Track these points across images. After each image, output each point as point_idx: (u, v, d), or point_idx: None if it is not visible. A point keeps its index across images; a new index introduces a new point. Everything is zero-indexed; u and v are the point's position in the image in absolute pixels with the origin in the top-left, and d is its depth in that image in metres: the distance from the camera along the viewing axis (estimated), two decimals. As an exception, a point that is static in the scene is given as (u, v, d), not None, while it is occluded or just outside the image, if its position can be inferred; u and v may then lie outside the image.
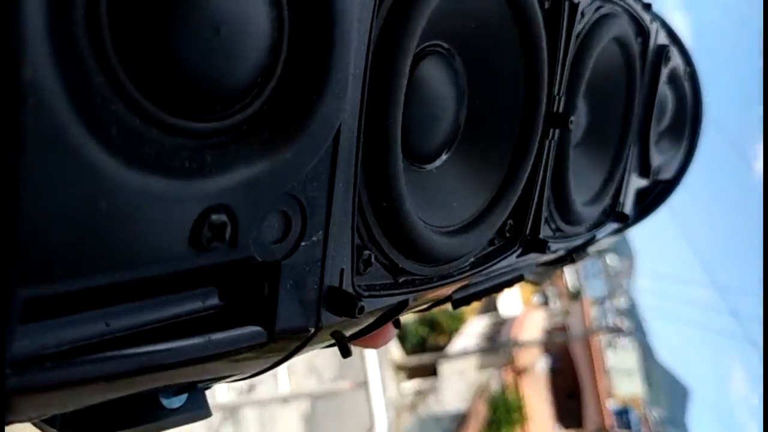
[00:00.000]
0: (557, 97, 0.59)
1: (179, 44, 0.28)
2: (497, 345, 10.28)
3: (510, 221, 0.58)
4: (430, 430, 8.78)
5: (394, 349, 9.28)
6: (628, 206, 0.82)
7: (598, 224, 0.75)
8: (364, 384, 2.93)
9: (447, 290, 0.53)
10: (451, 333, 10.38)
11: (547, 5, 0.55)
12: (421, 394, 9.21)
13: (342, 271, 0.40)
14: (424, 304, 0.53)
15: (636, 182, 0.83)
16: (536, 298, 15.33)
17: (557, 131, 0.60)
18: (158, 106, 0.28)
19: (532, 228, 0.61)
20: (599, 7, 0.64)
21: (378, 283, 0.45)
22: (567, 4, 0.57)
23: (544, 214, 0.62)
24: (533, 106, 0.55)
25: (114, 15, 0.26)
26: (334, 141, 0.37)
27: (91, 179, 0.25)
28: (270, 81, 0.33)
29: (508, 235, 0.59)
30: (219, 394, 3.48)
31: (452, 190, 0.53)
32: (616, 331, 13.37)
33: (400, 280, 0.47)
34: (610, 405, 12.33)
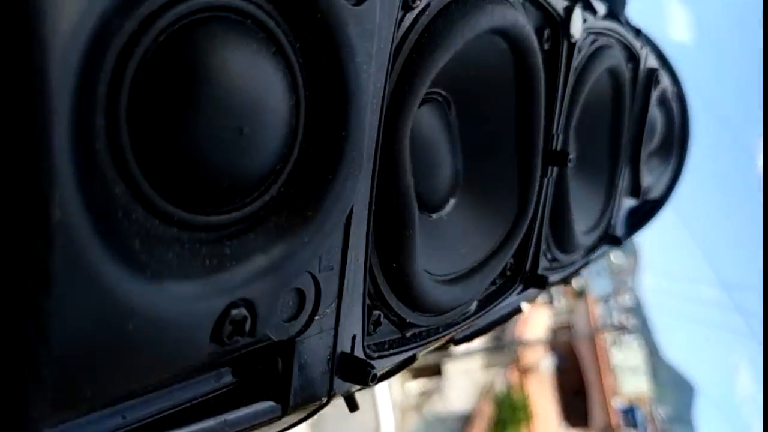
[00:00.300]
0: (556, 135, 0.58)
1: (202, 147, 0.28)
2: (502, 344, 10.27)
3: (510, 260, 0.58)
4: (436, 430, 8.77)
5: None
6: (619, 227, 0.83)
7: (593, 249, 0.76)
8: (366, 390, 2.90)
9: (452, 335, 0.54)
10: (455, 332, 10.36)
11: (546, 46, 0.55)
12: (425, 394, 9.20)
13: (354, 337, 0.40)
14: (430, 349, 0.53)
15: (626, 203, 0.84)
16: (540, 297, 15.33)
17: (555, 168, 0.60)
18: (179, 207, 0.29)
19: (531, 265, 0.61)
20: (594, 41, 0.64)
21: (387, 341, 0.46)
22: (566, 43, 0.57)
23: (542, 248, 0.62)
24: (530, 148, 0.55)
25: (134, 124, 0.26)
26: (347, 215, 0.37)
27: (117, 305, 0.24)
28: (286, 166, 0.33)
29: (509, 274, 0.59)
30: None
31: (460, 237, 0.53)
32: (622, 329, 13.34)
33: (408, 335, 0.48)
34: (616, 403, 12.31)
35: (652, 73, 0.79)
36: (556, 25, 0.56)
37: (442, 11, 0.43)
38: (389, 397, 3.07)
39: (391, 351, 0.46)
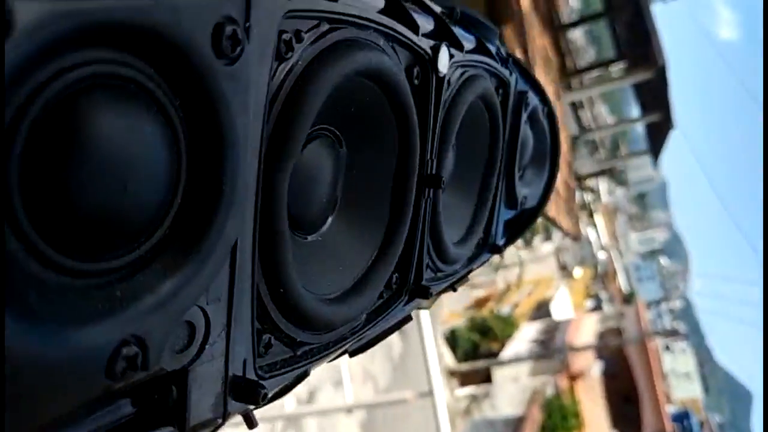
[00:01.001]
0: (430, 161, 0.65)
1: (90, 203, 0.31)
2: (551, 350, 10.16)
3: (396, 275, 0.64)
4: (486, 436, 8.74)
5: (446, 356, 9.31)
6: (499, 236, 0.90)
7: (474, 258, 0.83)
8: (427, 394, 3.02)
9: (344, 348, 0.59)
10: (503, 339, 10.32)
11: (417, 82, 0.62)
12: (475, 400, 9.18)
13: (245, 361, 0.44)
14: (324, 363, 0.58)
15: (505, 214, 0.91)
16: (589, 303, 15.07)
17: (431, 190, 0.66)
18: (71, 257, 0.31)
19: (415, 277, 0.67)
20: (463, 73, 0.71)
21: (279, 360, 0.50)
22: (434, 78, 0.63)
23: (425, 261, 0.68)
24: (406, 173, 0.62)
25: (26, 186, 0.29)
26: (232, 250, 0.40)
27: (15, 359, 0.27)
28: (171, 210, 0.37)
29: (395, 287, 0.65)
30: (279, 403, 3.58)
31: (338, 255, 0.58)
32: (673, 334, 13.03)
33: (299, 352, 0.52)
34: (669, 409, 12.02)
35: (521, 96, 0.86)
36: (424, 63, 0.61)
37: (314, 60, 0.47)
38: (446, 404, 3.17)
39: (283, 370, 0.49)
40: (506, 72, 0.82)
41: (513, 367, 9.79)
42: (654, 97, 8.60)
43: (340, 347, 0.57)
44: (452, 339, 9.75)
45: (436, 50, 0.62)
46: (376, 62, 0.54)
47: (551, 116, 1.01)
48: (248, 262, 0.43)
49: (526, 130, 0.92)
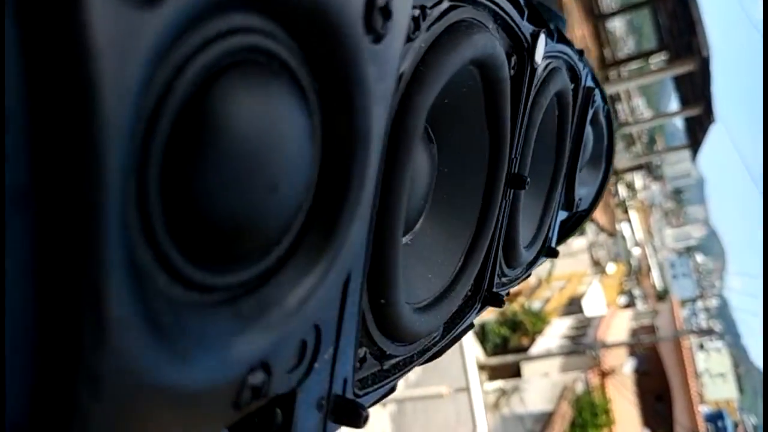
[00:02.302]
0: (515, 159, 0.59)
1: (234, 206, 0.27)
2: (582, 346, 10.06)
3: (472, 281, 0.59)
4: (514, 430, 8.71)
5: (475, 350, 9.26)
6: (554, 239, 0.84)
7: (534, 262, 0.78)
8: (462, 389, 2.99)
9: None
10: (534, 334, 10.23)
11: (512, 72, 0.56)
12: (504, 395, 9.13)
13: (345, 380, 0.39)
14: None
15: (561, 216, 0.86)
16: (622, 299, 14.90)
17: (512, 191, 0.60)
18: (202, 270, 0.27)
19: (488, 284, 0.61)
20: (548, 64, 0.65)
21: (369, 375, 0.46)
22: (528, 69, 0.57)
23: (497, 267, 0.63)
24: (496, 172, 0.55)
25: (164, 188, 0.25)
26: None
27: (149, 390, 0.23)
28: (301, 213, 0.32)
29: (469, 294, 0.59)
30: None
31: (427, 260, 0.53)
32: (708, 332, 12.82)
33: (386, 366, 0.48)
34: (702, 409, 11.82)
35: (589, 93, 0.80)
36: (522, 51, 0.56)
37: (435, 41, 0.42)
38: (482, 401, 3.14)
39: (375, 386, 0.45)
40: (581, 66, 0.76)
41: (543, 362, 9.71)
42: (695, 89, 8.40)
43: (422, 359, 0.53)
44: (482, 333, 9.68)
45: (535, 38, 0.56)
46: (490, 49, 0.48)
47: (609, 117, 0.96)
48: (360, 270, 0.38)
49: (587, 129, 0.87)
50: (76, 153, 0.19)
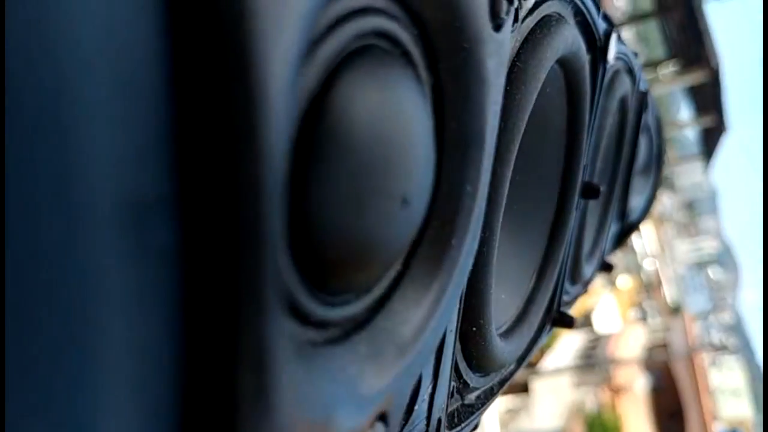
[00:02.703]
0: (585, 167, 0.54)
1: (364, 226, 0.22)
2: (593, 362, 9.94)
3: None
4: (523, 449, 8.59)
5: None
6: (608, 251, 0.78)
7: (591, 277, 0.72)
8: None
9: None
10: (543, 349, 10.12)
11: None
12: (512, 412, 9.03)
13: (439, 420, 0.34)
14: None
15: (614, 227, 0.80)
16: (634, 314, 14.76)
17: (582, 201, 0.55)
18: (320, 303, 0.23)
19: (558, 304, 0.56)
20: (612, 65, 0.60)
21: (453, 411, 0.40)
22: (601, 70, 0.53)
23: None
24: (572, 180, 0.50)
25: (294, 210, 0.20)
26: None
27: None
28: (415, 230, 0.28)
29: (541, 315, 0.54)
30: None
31: (502, 277, 0.47)
32: (722, 348, 12.64)
33: (467, 401, 0.42)
34: (717, 428, 11.65)
35: (643, 97, 0.76)
36: (595, 50, 0.52)
37: (529, 36, 0.39)
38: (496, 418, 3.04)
39: (462, 424, 0.41)
40: (636, 67, 0.71)
41: (553, 378, 9.59)
42: (706, 100, 8.36)
43: (501, 389, 0.48)
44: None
45: (608, 36, 0.52)
46: (576, 47, 0.45)
47: (659, 122, 0.92)
48: (458, 295, 0.33)
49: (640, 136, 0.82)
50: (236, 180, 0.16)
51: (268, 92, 0.15)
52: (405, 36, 0.24)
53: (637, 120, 0.75)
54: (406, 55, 0.25)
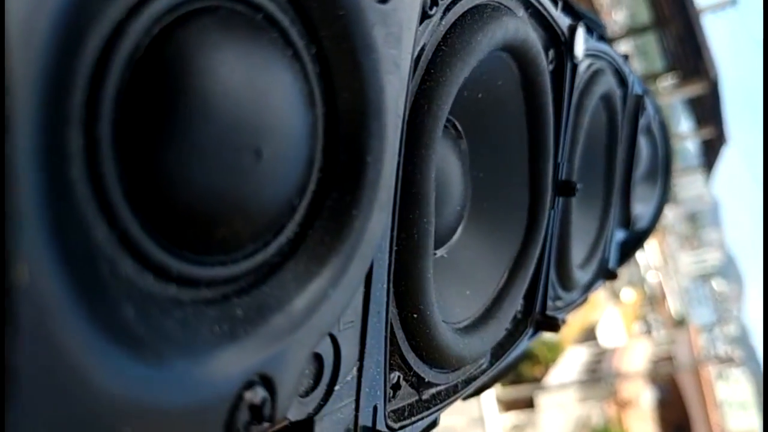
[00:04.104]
0: (561, 164, 0.54)
1: (210, 174, 0.22)
2: (598, 376, 9.88)
3: (521, 302, 0.53)
4: (529, 465, 8.51)
5: (489, 381, 9.11)
6: (613, 260, 0.78)
7: (591, 285, 0.71)
8: (478, 420, 2.91)
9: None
10: (547, 364, 10.06)
11: (550, 67, 0.51)
12: (518, 428, 8.96)
13: (375, 407, 0.34)
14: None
15: (618, 235, 0.79)
16: (638, 327, 14.70)
17: (560, 199, 0.56)
18: (178, 256, 0.22)
19: (541, 305, 0.55)
20: (590, 64, 0.61)
21: (405, 405, 0.40)
22: (569, 65, 0.53)
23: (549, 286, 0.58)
24: (539, 174, 0.49)
25: (120, 145, 0.20)
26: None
27: (106, 404, 0.18)
28: (303, 200, 0.28)
29: (519, 317, 0.54)
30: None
31: (466, 275, 0.47)
32: (727, 360, 12.58)
33: (425, 396, 0.42)
34: (725, 441, 11.55)
35: (639, 100, 0.75)
36: (560, 45, 0.52)
37: (458, 21, 0.39)
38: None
39: (413, 418, 0.40)
40: (626, 69, 0.71)
41: (558, 393, 9.53)
42: (706, 111, 8.39)
43: (467, 389, 0.47)
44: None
45: (572, 31, 0.52)
46: (522, 34, 0.44)
47: (664, 126, 0.91)
48: (384, 274, 0.33)
49: (640, 140, 0.82)
50: None
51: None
52: (267, 2, 0.25)
53: (632, 123, 0.74)
54: (269, 19, 0.26)
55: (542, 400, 9.41)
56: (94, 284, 0.19)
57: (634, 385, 10.46)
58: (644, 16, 9.26)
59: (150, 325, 0.20)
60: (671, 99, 9.27)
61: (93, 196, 0.19)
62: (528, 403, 9.30)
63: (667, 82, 8.67)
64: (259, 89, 0.24)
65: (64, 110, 0.18)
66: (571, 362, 10.84)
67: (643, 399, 10.78)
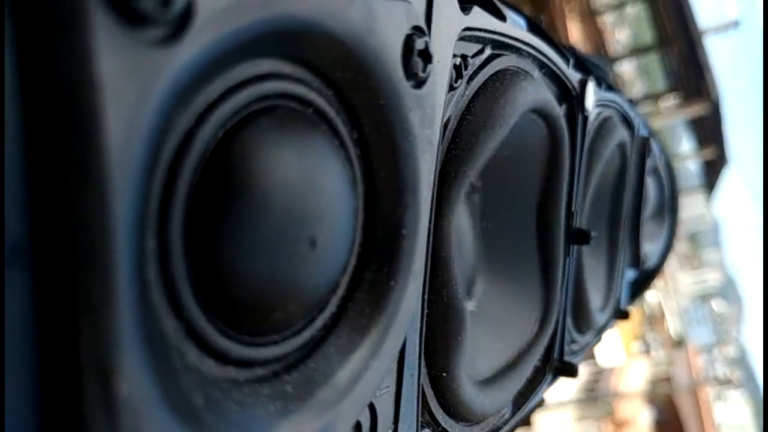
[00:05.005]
0: (575, 213, 0.56)
1: (270, 265, 0.24)
2: (596, 395, 9.83)
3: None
4: (525, 484, 8.47)
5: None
6: (624, 300, 0.80)
7: (605, 326, 0.73)
8: None
9: None
10: (545, 381, 10.04)
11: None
12: (514, 446, 8.92)
13: None
14: None
15: (628, 274, 0.81)
16: (637, 346, 14.66)
17: (575, 247, 0.57)
18: (236, 340, 0.24)
19: (558, 352, 0.57)
20: (599, 113, 0.62)
21: None
22: (581, 117, 0.55)
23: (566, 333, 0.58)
24: (554, 228, 0.51)
25: (189, 244, 0.21)
26: None
27: None
28: (345, 275, 0.29)
29: (538, 364, 0.55)
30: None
31: (489, 331, 0.48)
32: (726, 382, 12.51)
33: None
34: (723, 464, 11.47)
35: (645, 142, 0.78)
36: (571, 99, 0.54)
37: (480, 90, 0.41)
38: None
39: None
40: (632, 114, 0.73)
41: (555, 411, 9.48)
42: (707, 132, 8.41)
43: None
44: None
45: (583, 85, 0.55)
46: (543, 96, 0.46)
47: (669, 166, 0.93)
48: (416, 338, 0.35)
49: (647, 181, 0.84)
50: (76, 197, 0.17)
51: (103, 165, 0.16)
52: (315, 96, 0.27)
53: (640, 164, 0.76)
54: (318, 112, 0.27)
55: (539, 418, 9.36)
56: (171, 378, 0.20)
57: (631, 405, 10.39)
58: (647, 36, 9.32)
59: (216, 411, 0.21)
60: (673, 119, 9.30)
61: (165, 293, 0.21)
62: (525, 422, 9.26)
63: (669, 102, 8.70)
64: (314, 181, 0.26)
65: (145, 217, 0.19)
66: (568, 381, 10.81)
67: (641, 419, 10.71)
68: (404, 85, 0.30)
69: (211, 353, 0.23)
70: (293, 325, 0.27)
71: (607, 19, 9.08)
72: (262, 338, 0.26)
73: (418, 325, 0.35)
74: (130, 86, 0.17)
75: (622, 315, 0.77)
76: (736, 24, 9.16)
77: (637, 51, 10.09)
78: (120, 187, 0.17)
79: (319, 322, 0.29)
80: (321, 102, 0.28)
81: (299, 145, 0.26)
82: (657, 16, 8.02)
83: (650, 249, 0.88)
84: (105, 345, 0.17)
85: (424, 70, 0.31)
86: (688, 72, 7.71)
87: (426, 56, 0.30)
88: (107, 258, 0.17)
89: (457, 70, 0.38)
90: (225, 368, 0.24)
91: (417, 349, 0.35)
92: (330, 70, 0.27)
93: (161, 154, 0.20)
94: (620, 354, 13.57)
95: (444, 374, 0.39)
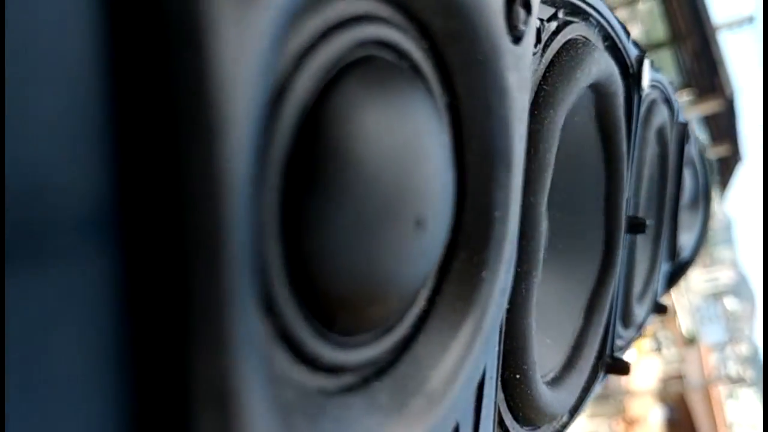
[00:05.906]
0: (629, 200, 0.52)
1: (371, 248, 0.20)
2: (607, 393, 9.78)
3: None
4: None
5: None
6: (660, 293, 0.75)
7: (645, 320, 0.69)
8: None
9: None
10: (556, 379, 10.02)
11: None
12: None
13: None
14: None
15: (665, 266, 0.77)
16: (649, 344, 14.58)
17: (628, 237, 0.53)
18: (328, 343, 0.21)
19: (610, 348, 0.53)
20: (647, 94, 0.58)
21: None
22: (636, 97, 0.51)
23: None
24: (615, 215, 0.48)
25: (288, 233, 0.18)
26: None
27: None
28: (437, 261, 0.25)
29: (594, 362, 0.51)
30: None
31: (546, 321, 0.45)
32: (739, 380, 12.42)
33: None
34: (735, 462, 11.39)
35: (684, 128, 0.74)
36: (628, 77, 0.50)
37: (555, 59, 0.38)
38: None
39: None
40: (674, 98, 0.69)
41: (566, 409, 9.47)
42: (721, 129, 8.33)
43: None
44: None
45: (640, 62, 0.51)
46: (610, 69, 0.43)
47: (702, 155, 0.89)
48: (497, 335, 0.30)
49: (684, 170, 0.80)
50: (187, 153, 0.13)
51: (221, 114, 0.13)
52: (413, 48, 0.23)
53: (679, 152, 0.72)
54: (415, 68, 0.23)
55: (550, 415, 9.35)
56: (277, 397, 0.17)
57: (643, 402, 10.34)
58: (660, 32, 9.23)
59: (302, 423, 0.18)
60: (687, 116, 9.25)
61: (260, 287, 0.17)
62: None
63: (682, 99, 8.64)
64: (419, 149, 0.22)
65: (259, 188, 0.16)
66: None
67: (652, 417, 10.66)
68: (505, 40, 0.25)
69: (303, 359, 0.20)
70: (386, 323, 0.23)
71: (618, 15, 9.03)
72: (353, 338, 0.22)
73: (500, 321, 0.31)
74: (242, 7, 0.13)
75: (660, 309, 0.73)
76: (750, 20, 9.06)
77: (649, 47, 10.01)
78: (237, 157, 0.13)
79: (409, 319, 0.25)
80: (418, 55, 0.23)
81: (401, 106, 0.22)
82: (670, 11, 7.94)
83: (685, 240, 0.85)
84: (224, 364, 0.14)
85: (525, 22, 0.27)
86: (702, 68, 7.64)
87: (527, 6, 0.27)
88: (230, 246, 0.13)
89: (537, 34, 0.34)
90: (316, 376, 0.20)
91: (497, 347, 0.31)
92: (429, 17, 0.22)
93: (264, 106, 0.16)
94: (632, 352, 13.48)
95: (518, 376, 0.36)
